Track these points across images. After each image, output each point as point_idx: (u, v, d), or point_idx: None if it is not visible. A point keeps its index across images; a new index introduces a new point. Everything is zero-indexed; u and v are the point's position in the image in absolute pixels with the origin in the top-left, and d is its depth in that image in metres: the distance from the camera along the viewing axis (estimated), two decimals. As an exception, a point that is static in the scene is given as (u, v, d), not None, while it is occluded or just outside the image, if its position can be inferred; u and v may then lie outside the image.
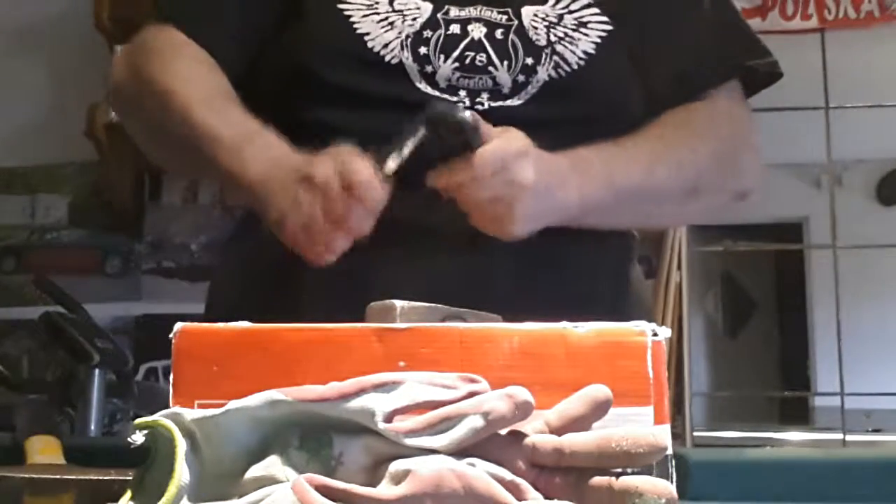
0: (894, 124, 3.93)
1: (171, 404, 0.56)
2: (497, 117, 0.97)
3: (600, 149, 0.99)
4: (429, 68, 1.00)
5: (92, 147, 3.05)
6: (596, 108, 1.04)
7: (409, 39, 1.01)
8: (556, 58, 1.01)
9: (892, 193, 4.79)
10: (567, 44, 1.02)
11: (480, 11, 1.03)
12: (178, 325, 0.58)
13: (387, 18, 1.02)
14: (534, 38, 1.02)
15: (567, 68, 1.01)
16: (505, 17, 1.03)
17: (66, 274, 3.11)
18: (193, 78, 1.03)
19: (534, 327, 0.58)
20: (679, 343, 3.01)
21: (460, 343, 0.57)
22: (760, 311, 5.67)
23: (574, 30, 1.03)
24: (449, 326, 0.59)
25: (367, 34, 1.01)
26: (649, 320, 0.58)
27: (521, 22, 1.03)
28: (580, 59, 1.02)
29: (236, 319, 0.59)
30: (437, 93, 1.00)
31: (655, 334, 0.56)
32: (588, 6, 1.05)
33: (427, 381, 0.53)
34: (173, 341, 0.58)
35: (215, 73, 1.05)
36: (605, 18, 1.04)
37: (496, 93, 1.00)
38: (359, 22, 1.02)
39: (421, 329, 0.58)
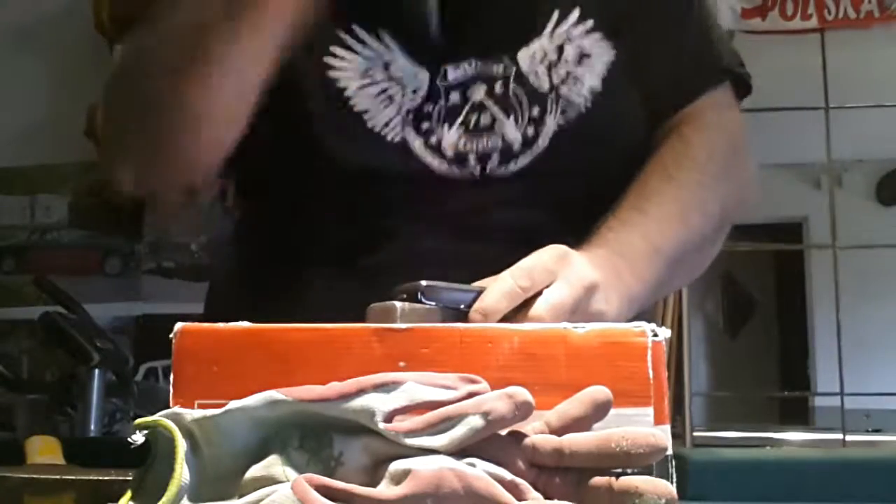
0: (894, 124, 3.94)
1: (171, 404, 0.56)
2: (507, 184, 0.95)
3: (633, 224, 0.90)
4: (433, 139, 0.95)
5: (92, 147, 3.05)
6: (607, 148, 0.99)
7: (411, 116, 0.95)
8: (562, 102, 0.97)
9: (892, 193, 4.80)
10: (572, 84, 0.97)
11: (476, 67, 0.97)
12: (178, 325, 0.58)
13: (385, 91, 0.95)
14: (535, 83, 0.97)
15: (575, 112, 0.97)
16: (502, 66, 0.97)
17: (66, 274, 3.11)
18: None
19: (534, 327, 0.58)
20: (679, 343, 3.01)
21: (460, 343, 0.57)
22: (760, 311, 5.68)
23: (577, 64, 0.98)
24: (449, 326, 0.59)
25: (366, 111, 0.95)
26: (649, 320, 0.58)
27: (518, 68, 0.97)
28: (587, 99, 0.97)
29: (236, 320, 0.59)
30: (444, 163, 0.95)
31: (655, 334, 0.56)
32: (588, 32, 0.99)
33: (427, 382, 0.53)
34: (173, 341, 0.58)
35: None
36: (604, 39, 0.99)
37: (506, 152, 0.95)
38: (355, 97, 0.95)
39: (421, 329, 0.58)
